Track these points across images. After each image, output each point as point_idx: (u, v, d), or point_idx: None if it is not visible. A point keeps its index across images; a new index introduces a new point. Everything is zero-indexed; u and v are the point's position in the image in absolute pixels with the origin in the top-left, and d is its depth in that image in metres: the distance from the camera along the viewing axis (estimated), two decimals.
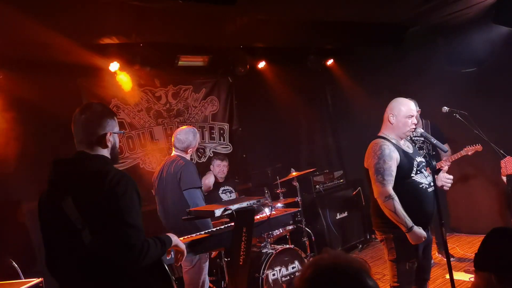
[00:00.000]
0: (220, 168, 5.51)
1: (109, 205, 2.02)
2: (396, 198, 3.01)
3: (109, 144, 2.30)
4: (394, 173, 3.07)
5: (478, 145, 4.92)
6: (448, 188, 3.35)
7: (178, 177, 3.85)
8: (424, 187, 3.14)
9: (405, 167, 3.11)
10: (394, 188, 3.06)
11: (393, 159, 3.08)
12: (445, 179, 3.32)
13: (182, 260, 2.53)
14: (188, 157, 4.09)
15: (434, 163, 3.13)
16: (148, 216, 5.23)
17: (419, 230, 3.00)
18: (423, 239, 3.02)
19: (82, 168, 2.17)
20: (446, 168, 4.74)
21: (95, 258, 2.03)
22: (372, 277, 1.23)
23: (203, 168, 5.96)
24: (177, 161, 3.95)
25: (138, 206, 2.11)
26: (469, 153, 4.93)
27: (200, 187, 3.91)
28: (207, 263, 3.94)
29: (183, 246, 2.47)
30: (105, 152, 2.30)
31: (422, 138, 5.07)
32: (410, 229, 2.99)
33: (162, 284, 2.27)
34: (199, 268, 3.87)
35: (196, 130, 4.18)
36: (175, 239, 2.40)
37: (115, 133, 2.34)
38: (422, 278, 3.28)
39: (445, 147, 3.30)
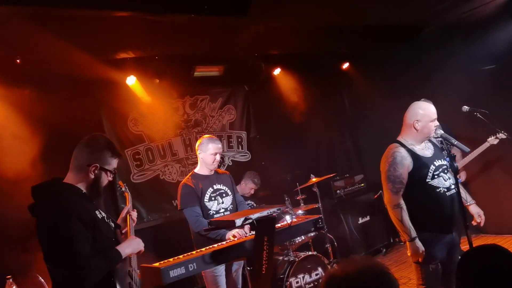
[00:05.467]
0: (253, 190, 5.56)
1: (49, 236, 2.16)
2: (404, 207, 3.09)
3: (91, 176, 2.29)
4: (405, 180, 3.12)
5: (501, 133, 4.99)
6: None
7: None
8: (442, 191, 3.13)
9: (419, 172, 3.12)
10: (409, 193, 3.12)
11: (404, 167, 3.11)
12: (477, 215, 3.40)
13: (140, 254, 2.55)
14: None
15: (456, 165, 3.07)
16: (170, 225, 5.33)
17: (419, 244, 3.06)
18: (421, 252, 3.06)
19: (44, 196, 2.23)
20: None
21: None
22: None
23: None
24: None
25: (79, 233, 2.13)
26: (495, 143, 5.04)
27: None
28: (223, 274, 3.95)
29: (136, 249, 2.47)
30: (82, 184, 2.30)
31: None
32: (412, 240, 3.07)
33: None
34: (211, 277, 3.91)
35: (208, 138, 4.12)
36: (126, 251, 2.38)
37: (103, 168, 2.32)
38: (448, 280, 3.27)
39: (466, 147, 3.24)
